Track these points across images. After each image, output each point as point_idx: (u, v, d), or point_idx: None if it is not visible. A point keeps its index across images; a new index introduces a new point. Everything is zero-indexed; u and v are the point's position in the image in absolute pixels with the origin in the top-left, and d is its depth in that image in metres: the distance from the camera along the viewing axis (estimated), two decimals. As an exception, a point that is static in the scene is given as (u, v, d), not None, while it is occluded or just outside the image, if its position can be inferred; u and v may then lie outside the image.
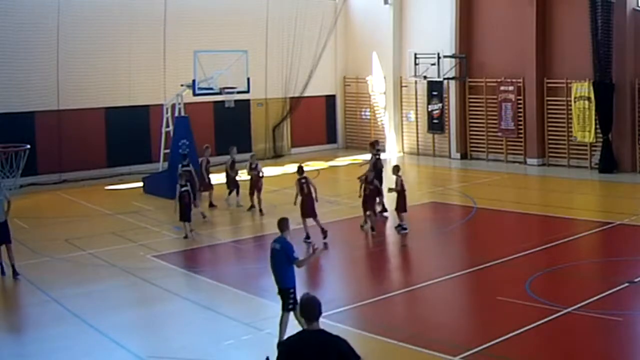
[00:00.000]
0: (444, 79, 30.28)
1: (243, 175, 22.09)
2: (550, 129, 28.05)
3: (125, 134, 28.38)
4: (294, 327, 10.66)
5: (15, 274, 15.18)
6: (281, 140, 33.39)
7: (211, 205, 21.95)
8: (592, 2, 25.33)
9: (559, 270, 14.67)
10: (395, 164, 20.66)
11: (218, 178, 23.13)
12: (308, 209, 17.35)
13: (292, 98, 33.29)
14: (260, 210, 20.95)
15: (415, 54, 30.58)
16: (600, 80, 25.76)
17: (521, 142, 28.85)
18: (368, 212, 18.35)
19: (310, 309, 6.62)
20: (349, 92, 35.36)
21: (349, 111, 35.54)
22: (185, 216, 18.25)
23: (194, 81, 23.83)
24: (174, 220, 19.94)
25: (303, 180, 17.59)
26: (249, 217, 20.84)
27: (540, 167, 27.90)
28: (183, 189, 18.23)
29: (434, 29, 30.87)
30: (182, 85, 24.74)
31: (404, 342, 11.24)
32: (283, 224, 11.20)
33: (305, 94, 33.47)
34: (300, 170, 17.92)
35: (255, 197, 21.18)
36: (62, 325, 12.62)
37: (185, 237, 18.24)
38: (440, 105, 30.73)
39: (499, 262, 15.47)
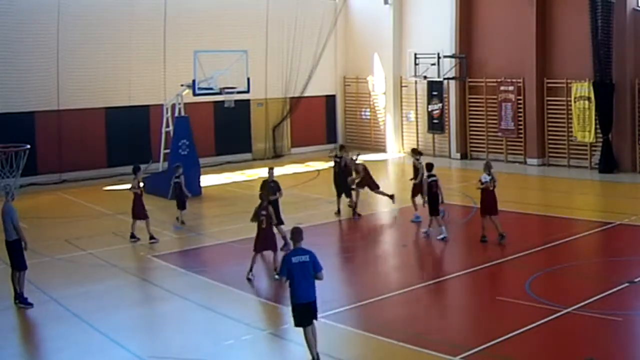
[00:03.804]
0: (444, 79, 30.26)
1: None
2: (550, 129, 28.05)
3: (125, 134, 28.37)
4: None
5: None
6: (281, 140, 33.38)
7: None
8: (592, 3, 25.32)
9: (559, 270, 14.67)
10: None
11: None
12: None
13: (292, 98, 33.28)
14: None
15: (415, 54, 30.56)
16: (600, 80, 25.75)
17: (521, 142, 28.84)
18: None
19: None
20: (349, 92, 35.35)
21: (349, 111, 35.53)
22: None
23: (194, 81, 23.81)
24: (174, 220, 19.97)
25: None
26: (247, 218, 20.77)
27: (540, 167, 27.88)
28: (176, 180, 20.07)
29: (434, 29, 30.84)
30: (182, 85, 24.71)
31: (404, 342, 11.23)
32: (300, 234, 10.59)
33: (305, 94, 33.45)
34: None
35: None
36: (62, 325, 12.62)
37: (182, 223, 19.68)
38: (440, 105, 30.71)
39: (499, 262, 15.50)
